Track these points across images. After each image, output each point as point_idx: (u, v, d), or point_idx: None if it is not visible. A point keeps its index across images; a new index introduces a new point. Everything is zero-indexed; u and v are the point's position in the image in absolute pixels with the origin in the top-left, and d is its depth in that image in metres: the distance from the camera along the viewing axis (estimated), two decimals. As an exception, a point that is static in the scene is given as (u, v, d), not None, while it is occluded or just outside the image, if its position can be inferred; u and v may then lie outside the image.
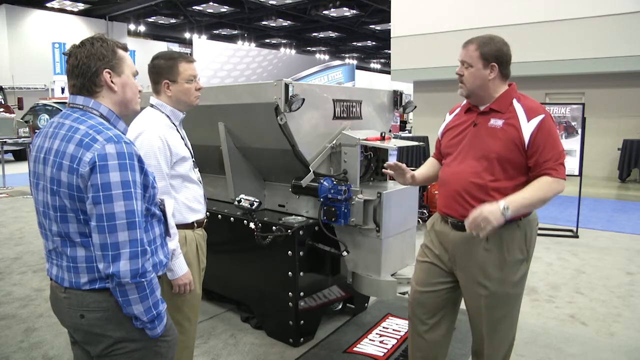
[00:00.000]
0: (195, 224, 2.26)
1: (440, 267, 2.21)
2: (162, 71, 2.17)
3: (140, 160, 1.46)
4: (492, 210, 1.83)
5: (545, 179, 1.95)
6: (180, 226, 2.14)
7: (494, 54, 2.01)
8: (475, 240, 2.04)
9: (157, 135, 2.06)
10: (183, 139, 2.22)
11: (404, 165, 2.29)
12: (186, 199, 2.20)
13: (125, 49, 1.58)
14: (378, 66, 38.46)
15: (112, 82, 1.52)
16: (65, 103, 15.29)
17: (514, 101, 2.04)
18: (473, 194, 2.03)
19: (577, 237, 6.05)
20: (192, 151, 2.27)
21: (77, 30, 22.34)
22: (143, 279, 1.41)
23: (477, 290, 2.09)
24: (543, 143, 1.95)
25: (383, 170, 2.44)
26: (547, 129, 1.96)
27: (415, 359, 2.33)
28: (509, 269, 2.04)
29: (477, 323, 2.17)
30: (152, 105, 2.21)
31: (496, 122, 2.03)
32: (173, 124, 2.19)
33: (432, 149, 2.51)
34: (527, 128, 1.96)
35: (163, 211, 1.66)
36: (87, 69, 1.48)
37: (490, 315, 2.10)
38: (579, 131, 6.22)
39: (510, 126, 2.00)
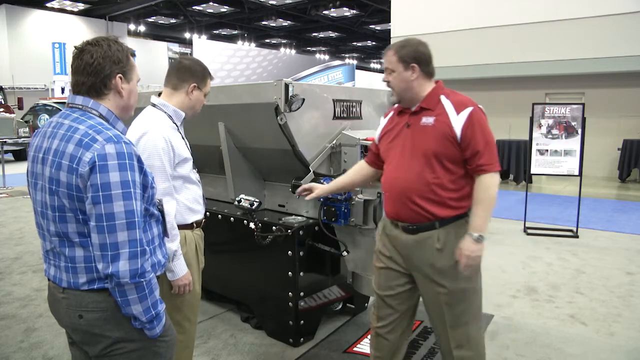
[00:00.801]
0: (195, 225, 2.25)
1: (396, 269, 2.24)
2: (196, 74, 2.21)
3: (139, 161, 1.45)
4: (471, 249, 1.99)
5: (483, 181, 2.02)
6: (180, 227, 2.13)
7: (411, 55, 2.09)
8: (426, 241, 2.10)
9: (161, 135, 2.05)
10: (184, 139, 2.21)
11: (308, 185, 2.51)
12: (186, 200, 2.20)
13: (134, 55, 1.59)
14: (378, 66, 38.43)
15: (121, 87, 1.52)
16: (64, 103, 15.26)
17: (442, 97, 2.10)
18: (418, 194, 2.08)
19: (577, 237, 6.05)
20: (190, 152, 2.26)
21: (77, 30, 22.34)
22: (142, 279, 1.41)
23: (436, 289, 2.13)
24: (474, 134, 2.00)
25: (305, 197, 2.54)
26: (477, 120, 2.02)
27: (377, 359, 2.37)
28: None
29: (439, 322, 2.21)
30: (153, 105, 2.19)
31: (427, 120, 2.09)
32: (175, 124, 2.17)
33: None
34: (457, 121, 2.02)
35: (161, 211, 1.65)
36: (101, 69, 1.47)
37: (451, 311, 2.14)
38: (579, 131, 6.21)
39: (441, 122, 2.05)
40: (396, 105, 2.27)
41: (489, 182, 2.01)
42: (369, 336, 3.28)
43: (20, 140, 12.93)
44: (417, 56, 2.09)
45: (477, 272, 2.15)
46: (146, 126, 2.06)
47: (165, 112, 2.16)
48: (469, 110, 2.02)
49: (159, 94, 2.25)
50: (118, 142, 1.39)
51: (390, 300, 2.28)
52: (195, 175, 2.27)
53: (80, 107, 1.49)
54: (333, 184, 2.52)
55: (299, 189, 2.52)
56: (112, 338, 1.47)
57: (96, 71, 1.47)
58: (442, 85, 2.16)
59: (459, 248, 2.03)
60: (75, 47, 1.51)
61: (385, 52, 2.15)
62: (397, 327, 2.30)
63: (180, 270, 2.04)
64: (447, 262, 2.08)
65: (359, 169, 2.49)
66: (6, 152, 12.27)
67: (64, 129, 1.44)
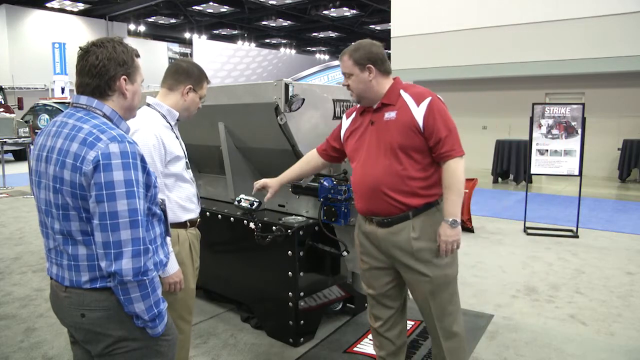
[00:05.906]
0: (189, 223, 2.26)
1: (380, 267, 2.29)
2: (193, 76, 2.24)
3: (142, 160, 1.47)
4: (447, 234, 2.08)
5: (450, 167, 2.09)
6: (173, 225, 2.14)
7: (365, 56, 2.16)
8: (402, 232, 2.15)
9: (152, 133, 2.08)
10: (177, 139, 2.24)
11: (262, 182, 2.58)
12: (179, 198, 2.22)
13: (139, 56, 1.60)
14: (378, 66, 38.39)
15: (125, 89, 1.53)
16: (64, 103, 15.34)
17: (401, 91, 2.17)
18: (388, 186, 2.13)
19: (577, 237, 6.05)
20: (185, 151, 2.29)
21: (77, 30, 22.36)
22: (145, 277, 1.41)
23: (420, 279, 2.18)
24: (435, 123, 2.07)
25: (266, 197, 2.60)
26: (437, 108, 2.09)
27: (382, 359, 2.42)
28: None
29: (427, 314, 2.25)
30: (148, 104, 2.23)
31: (390, 115, 2.15)
32: (169, 123, 2.20)
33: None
34: (419, 112, 2.09)
35: (164, 211, 1.67)
36: (106, 71, 1.48)
37: (437, 299, 2.19)
38: (579, 131, 6.21)
39: (403, 115, 2.11)
40: (358, 105, 2.33)
41: (454, 167, 2.08)
42: (369, 336, 3.29)
43: (20, 140, 12.91)
44: (371, 57, 2.15)
45: (455, 258, 2.22)
46: (138, 124, 2.09)
47: (159, 112, 2.20)
48: (428, 100, 2.09)
49: (156, 94, 2.28)
50: (122, 142, 1.40)
51: (383, 299, 2.33)
52: (189, 174, 2.29)
53: (84, 106, 1.50)
54: (284, 176, 2.59)
55: (256, 187, 2.60)
56: (114, 337, 1.48)
57: (101, 73, 1.48)
58: (400, 80, 2.23)
59: (437, 235, 2.10)
60: (80, 47, 1.51)
61: (340, 57, 2.22)
62: (396, 324, 2.36)
63: (171, 267, 2.05)
64: (425, 249, 2.14)
65: (309, 159, 2.58)
66: (6, 152, 12.27)
67: (68, 128, 1.45)
